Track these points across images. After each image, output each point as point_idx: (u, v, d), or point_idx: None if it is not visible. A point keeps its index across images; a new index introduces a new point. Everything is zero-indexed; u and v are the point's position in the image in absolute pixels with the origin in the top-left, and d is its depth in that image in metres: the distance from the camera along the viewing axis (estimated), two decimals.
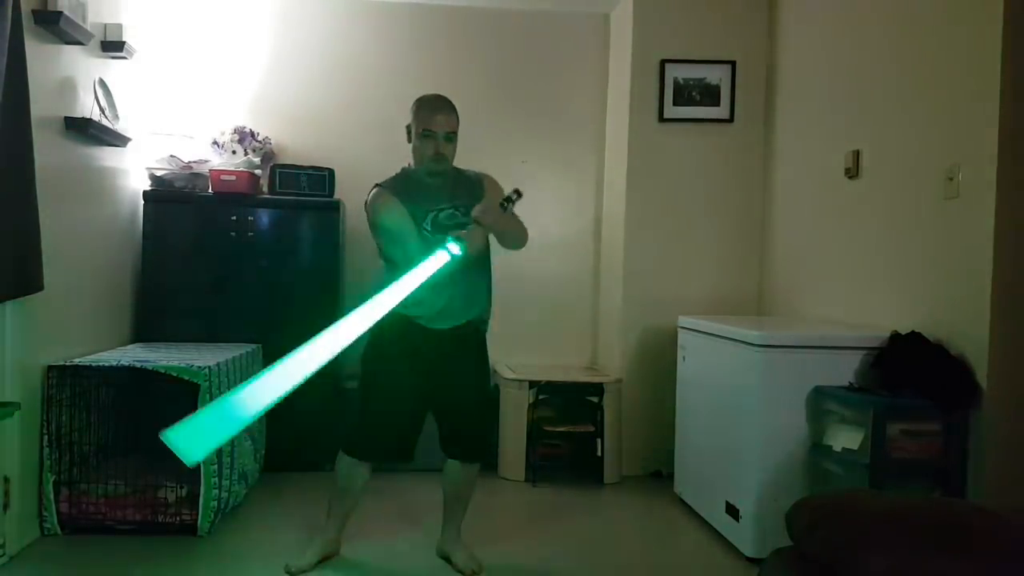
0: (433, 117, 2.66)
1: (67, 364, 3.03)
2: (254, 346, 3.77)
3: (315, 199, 4.03)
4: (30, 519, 2.95)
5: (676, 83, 4.10)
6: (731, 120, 4.13)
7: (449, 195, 2.74)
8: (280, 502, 3.51)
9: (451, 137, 2.68)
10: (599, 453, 3.97)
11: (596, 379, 4.06)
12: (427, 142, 2.66)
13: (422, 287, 2.32)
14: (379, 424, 2.78)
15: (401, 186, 2.72)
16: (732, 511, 3.05)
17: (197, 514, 3.03)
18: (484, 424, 3.00)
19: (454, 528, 2.92)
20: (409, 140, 2.74)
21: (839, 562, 1.65)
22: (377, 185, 2.73)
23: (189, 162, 3.96)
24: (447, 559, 2.89)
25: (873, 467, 2.56)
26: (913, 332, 2.73)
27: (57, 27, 2.92)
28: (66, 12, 2.94)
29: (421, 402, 2.80)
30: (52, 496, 2.99)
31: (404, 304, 2.25)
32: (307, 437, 3.94)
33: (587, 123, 4.53)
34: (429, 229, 2.67)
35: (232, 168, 3.96)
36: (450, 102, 2.72)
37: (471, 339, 2.82)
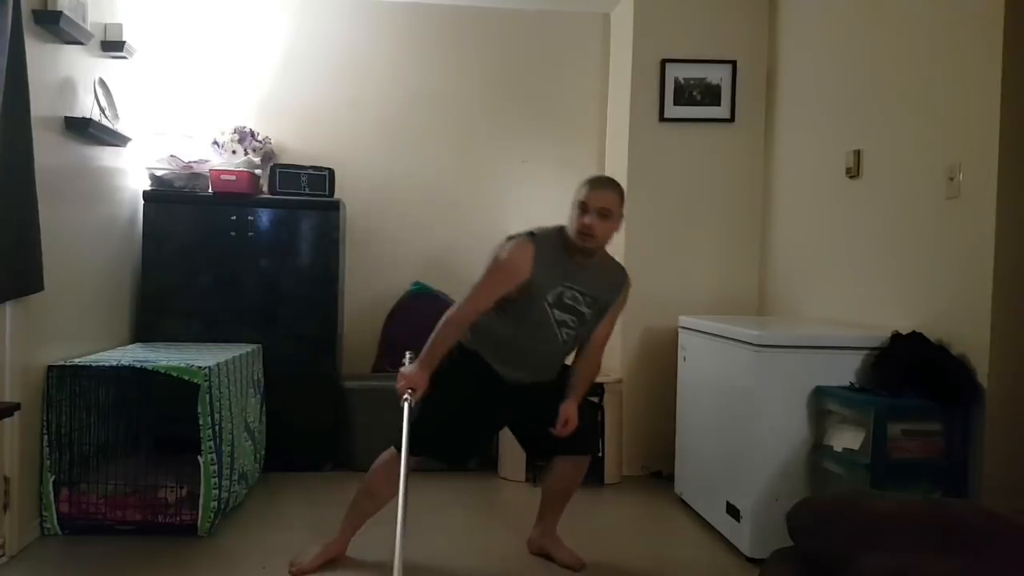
0: (591, 191, 2.62)
1: (67, 364, 3.03)
2: (254, 346, 3.76)
3: (315, 199, 4.02)
4: (30, 519, 2.95)
5: (677, 83, 4.10)
6: (732, 120, 4.12)
7: (588, 279, 2.70)
8: (280, 502, 3.50)
9: (605, 214, 2.59)
10: (599, 453, 3.95)
11: (596, 379, 4.04)
12: (579, 213, 2.61)
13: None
14: (448, 424, 2.72)
15: (548, 247, 2.65)
16: (732, 511, 3.05)
17: (197, 514, 3.02)
18: (587, 418, 3.01)
19: (553, 524, 2.96)
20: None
21: (839, 562, 1.65)
22: (531, 234, 2.67)
23: (189, 162, 3.95)
24: (546, 556, 2.93)
25: (874, 467, 2.56)
26: (914, 332, 2.73)
27: (57, 27, 2.92)
28: (66, 12, 2.94)
29: (494, 419, 2.88)
30: (52, 496, 2.99)
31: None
32: (307, 437, 3.95)
33: (587, 123, 4.53)
34: (551, 302, 2.65)
35: (232, 168, 3.96)
36: (617, 184, 2.71)
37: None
